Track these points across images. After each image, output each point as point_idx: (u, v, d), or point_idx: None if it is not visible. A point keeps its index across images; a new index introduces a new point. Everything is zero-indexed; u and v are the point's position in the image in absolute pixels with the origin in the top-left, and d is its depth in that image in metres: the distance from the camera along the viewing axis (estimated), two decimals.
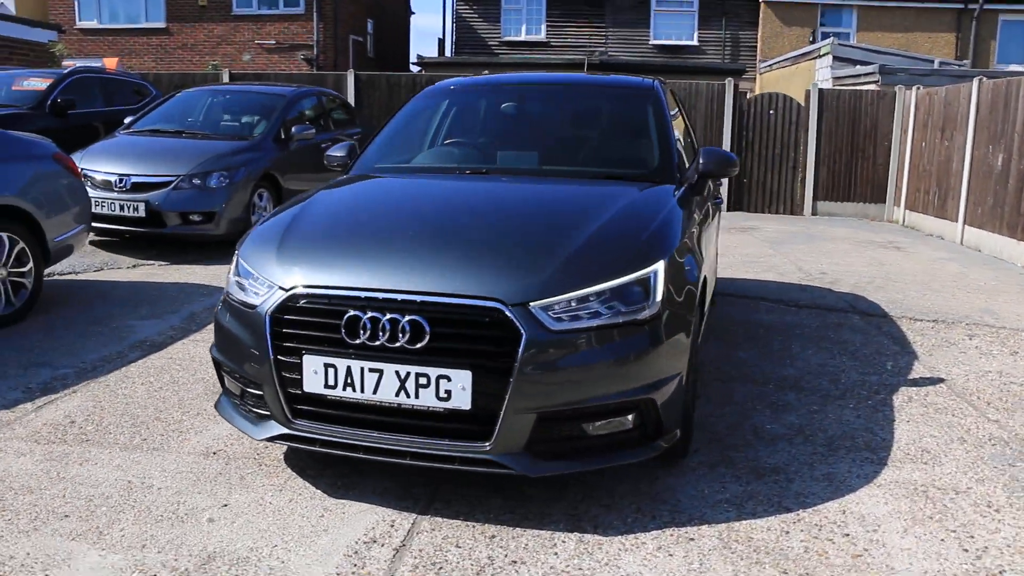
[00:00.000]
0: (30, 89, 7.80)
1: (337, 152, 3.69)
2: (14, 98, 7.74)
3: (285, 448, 2.94)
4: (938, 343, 4.76)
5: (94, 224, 6.44)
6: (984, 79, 8.60)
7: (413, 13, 33.43)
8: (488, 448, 2.32)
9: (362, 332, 2.34)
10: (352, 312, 2.36)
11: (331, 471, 2.80)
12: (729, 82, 11.30)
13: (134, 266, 6.26)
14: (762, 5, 20.63)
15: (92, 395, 3.53)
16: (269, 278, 2.54)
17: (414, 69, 19.51)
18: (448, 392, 2.30)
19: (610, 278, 2.40)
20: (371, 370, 2.34)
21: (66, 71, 8.24)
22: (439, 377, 2.30)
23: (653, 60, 20.65)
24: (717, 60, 21.08)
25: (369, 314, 2.34)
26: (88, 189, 6.35)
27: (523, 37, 22.08)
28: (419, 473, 2.72)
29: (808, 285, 6.29)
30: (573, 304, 2.34)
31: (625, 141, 3.47)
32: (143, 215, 6.27)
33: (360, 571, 2.23)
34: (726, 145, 11.30)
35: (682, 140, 4.30)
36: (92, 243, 6.95)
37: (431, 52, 28.98)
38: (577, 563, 2.27)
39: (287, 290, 2.47)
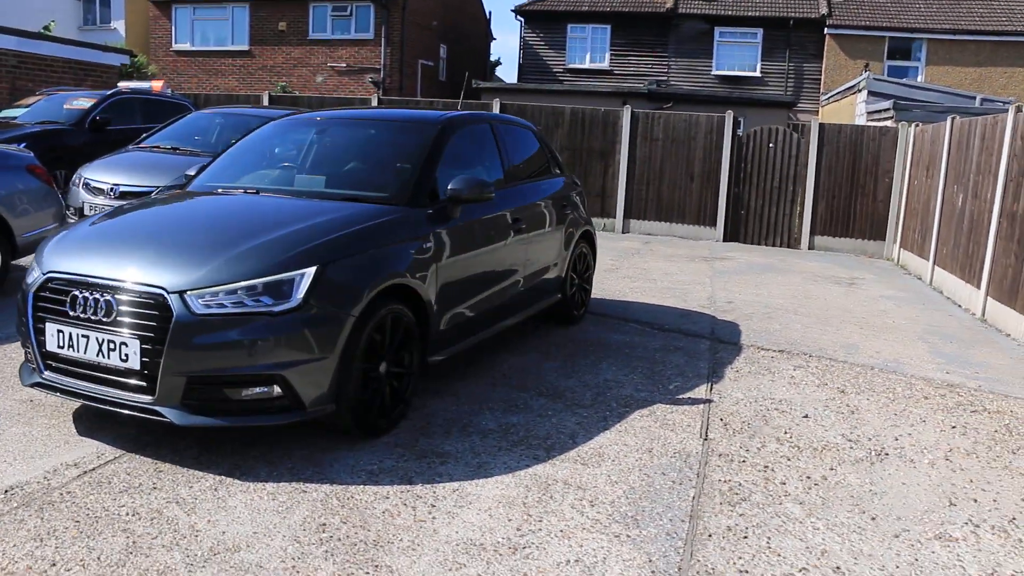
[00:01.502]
0: (77, 108, 9.29)
1: (190, 171, 4.55)
2: (63, 116, 9.26)
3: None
4: (757, 371, 4.99)
5: None
6: (957, 117, 8.43)
7: (494, 39, 34.63)
8: (151, 400, 3.03)
9: (78, 307, 3.13)
10: (74, 291, 3.16)
11: (100, 418, 3.59)
12: (729, 115, 11.46)
13: None
14: (827, 37, 20.24)
15: None
16: (39, 266, 3.38)
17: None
18: (127, 355, 3.04)
19: (259, 276, 3.07)
20: (82, 335, 3.12)
21: (109, 92, 9.72)
22: (121, 343, 3.04)
23: (714, 90, 20.71)
24: (780, 91, 20.82)
25: (83, 294, 3.13)
26: (87, 194, 7.64)
27: (587, 65, 22.71)
28: (152, 424, 3.45)
29: (697, 312, 6.55)
30: (221, 295, 3.02)
31: (392, 168, 4.09)
32: None
33: (45, 483, 2.98)
34: (724, 177, 11.46)
35: (504, 168, 4.83)
36: None
37: (512, 76, 30.24)
38: (196, 494, 2.93)
39: (44, 274, 3.30)
